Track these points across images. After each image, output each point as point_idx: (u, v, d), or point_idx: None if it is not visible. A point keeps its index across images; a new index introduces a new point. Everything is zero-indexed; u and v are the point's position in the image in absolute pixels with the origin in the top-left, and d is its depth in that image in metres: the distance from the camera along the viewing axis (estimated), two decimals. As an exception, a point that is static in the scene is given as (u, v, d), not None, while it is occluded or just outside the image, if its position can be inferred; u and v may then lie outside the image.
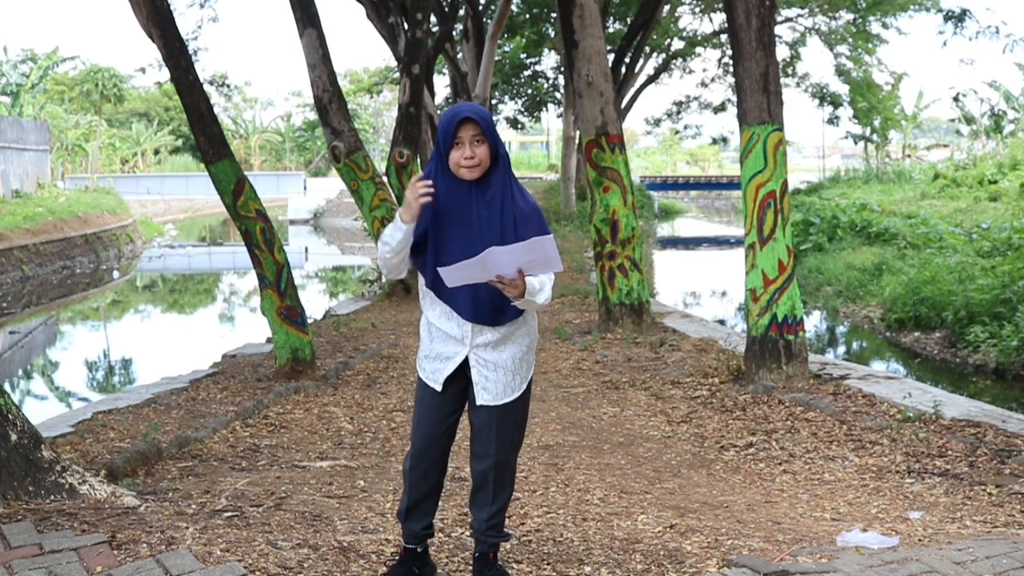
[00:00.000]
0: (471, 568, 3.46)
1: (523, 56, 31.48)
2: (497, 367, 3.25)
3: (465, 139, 3.15)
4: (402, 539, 3.45)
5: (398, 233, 3.17)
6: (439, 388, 3.28)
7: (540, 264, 3.07)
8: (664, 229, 36.63)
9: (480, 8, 23.50)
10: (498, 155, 3.19)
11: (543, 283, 3.15)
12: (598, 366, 8.23)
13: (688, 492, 4.85)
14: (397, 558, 3.50)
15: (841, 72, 30.12)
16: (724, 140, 33.92)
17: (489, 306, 3.20)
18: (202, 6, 15.23)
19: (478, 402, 3.26)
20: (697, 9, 27.87)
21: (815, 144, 62.61)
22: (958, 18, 12.40)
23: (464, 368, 3.27)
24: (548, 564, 3.66)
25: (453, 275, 3.05)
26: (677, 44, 29.30)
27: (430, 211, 3.18)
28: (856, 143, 38.53)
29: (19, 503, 3.98)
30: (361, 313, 12.00)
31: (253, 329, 13.59)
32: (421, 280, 3.33)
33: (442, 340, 3.28)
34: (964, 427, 5.90)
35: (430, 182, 3.14)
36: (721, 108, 31.61)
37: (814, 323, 14.34)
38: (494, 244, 3.10)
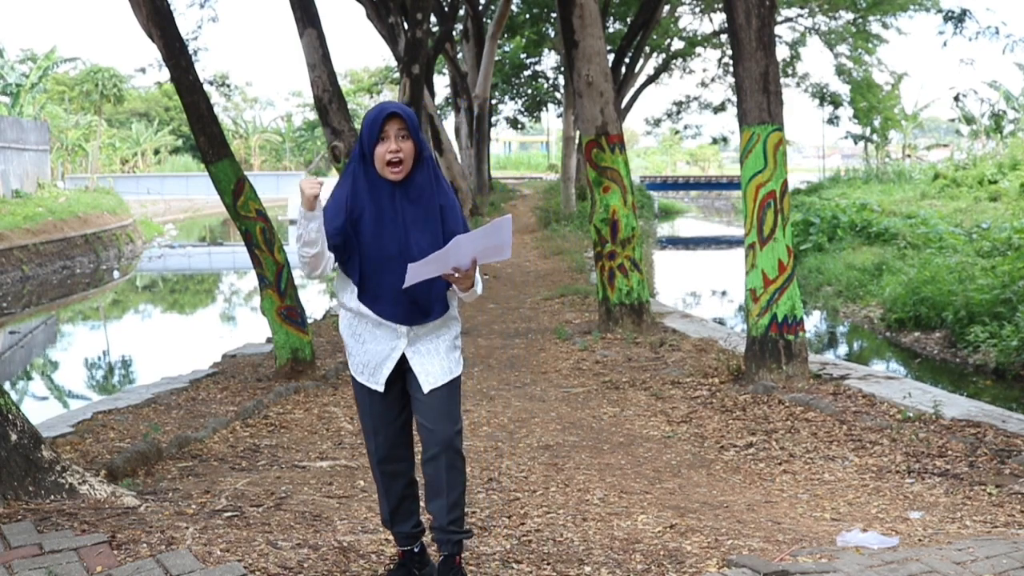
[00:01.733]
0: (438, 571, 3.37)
1: (523, 56, 31.55)
2: (434, 353, 3.26)
3: (391, 133, 3.16)
4: (396, 543, 3.45)
5: (309, 223, 3.10)
6: (382, 389, 3.28)
7: (494, 251, 3.11)
8: (664, 229, 36.58)
9: (480, 8, 23.53)
10: (422, 156, 3.21)
11: (478, 275, 3.25)
12: (598, 366, 8.23)
13: (688, 492, 4.85)
14: (396, 561, 3.50)
15: (841, 72, 30.13)
16: (724, 140, 33.95)
17: (413, 307, 3.20)
18: (202, 6, 15.21)
19: (426, 389, 3.24)
20: (697, 9, 27.91)
21: (815, 144, 62.56)
22: (958, 18, 12.40)
23: (399, 365, 3.27)
24: (548, 564, 3.66)
25: (417, 271, 3.07)
26: (677, 44, 29.36)
27: (354, 212, 3.19)
28: (856, 143, 38.51)
29: (19, 503, 3.98)
30: (361, 313, 11.98)
31: (253, 329, 13.60)
32: (338, 283, 3.32)
33: (375, 340, 3.27)
34: (964, 427, 5.89)
35: (321, 180, 3.15)
36: (721, 108, 31.65)
37: (814, 323, 14.34)
38: (422, 240, 3.15)
